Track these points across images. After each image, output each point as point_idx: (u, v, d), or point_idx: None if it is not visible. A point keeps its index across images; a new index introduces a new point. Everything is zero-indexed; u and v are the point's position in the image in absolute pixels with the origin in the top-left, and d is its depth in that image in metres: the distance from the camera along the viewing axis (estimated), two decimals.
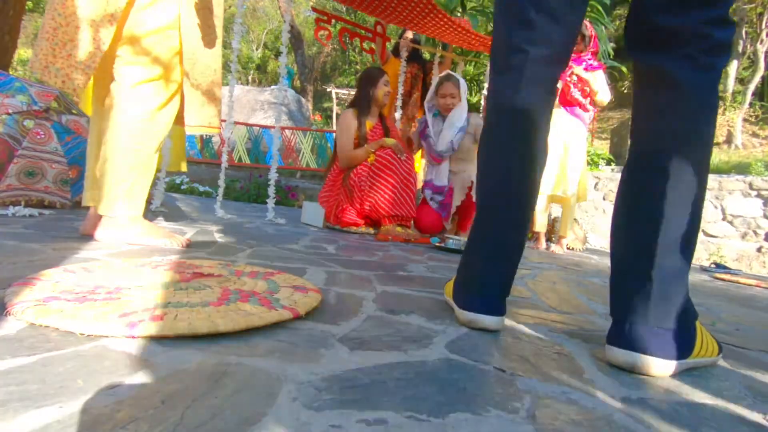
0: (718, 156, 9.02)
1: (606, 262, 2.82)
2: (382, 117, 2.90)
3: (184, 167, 2.14)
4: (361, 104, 2.83)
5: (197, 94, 1.54)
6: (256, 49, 19.88)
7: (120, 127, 1.36)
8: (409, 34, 3.82)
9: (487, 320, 0.86)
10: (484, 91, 3.91)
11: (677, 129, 0.75)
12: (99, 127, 1.49)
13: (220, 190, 2.85)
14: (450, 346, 0.75)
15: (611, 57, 3.99)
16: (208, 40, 1.52)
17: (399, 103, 3.82)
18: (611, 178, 6.03)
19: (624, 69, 4.47)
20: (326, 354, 0.66)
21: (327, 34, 3.30)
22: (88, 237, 1.43)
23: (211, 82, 1.57)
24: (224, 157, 2.81)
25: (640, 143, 0.81)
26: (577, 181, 3.10)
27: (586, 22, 3.03)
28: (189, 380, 0.52)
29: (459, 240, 2.31)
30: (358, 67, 17.29)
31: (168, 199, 3.28)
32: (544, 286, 1.51)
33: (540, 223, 3.23)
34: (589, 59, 2.99)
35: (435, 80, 3.08)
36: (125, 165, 1.37)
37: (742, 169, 7.80)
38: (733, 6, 11.93)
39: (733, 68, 12.07)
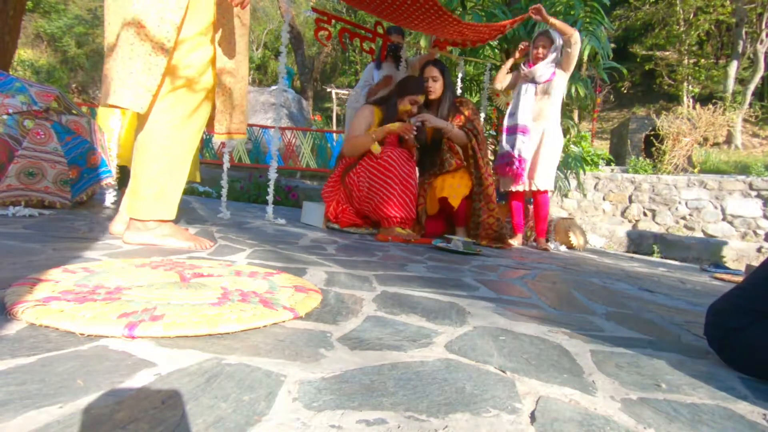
0: (718, 156, 9.02)
1: (606, 261, 2.82)
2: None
3: (198, 177, 2.16)
4: (387, 108, 2.79)
5: (228, 102, 1.57)
6: (256, 50, 19.87)
7: (149, 134, 1.40)
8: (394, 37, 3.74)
9: None
10: (485, 92, 3.90)
11: None
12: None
13: (224, 191, 2.85)
14: (450, 346, 0.75)
15: (611, 58, 3.98)
16: (238, 49, 1.55)
17: None
18: (611, 178, 6.03)
19: (624, 70, 4.46)
20: (326, 354, 0.66)
21: (327, 35, 3.30)
22: (91, 237, 1.43)
23: (240, 88, 1.60)
24: (226, 158, 2.81)
25: None
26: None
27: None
28: (189, 380, 0.52)
29: (460, 240, 2.30)
30: (358, 67, 17.28)
31: None
32: (544, 286, 1.51)
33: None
34: None
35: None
36: (154, 170, 1.41)
37: (742, 169, 7.80)
38: (733, 6, 11.92)
39: (733, 68, 12.07)
